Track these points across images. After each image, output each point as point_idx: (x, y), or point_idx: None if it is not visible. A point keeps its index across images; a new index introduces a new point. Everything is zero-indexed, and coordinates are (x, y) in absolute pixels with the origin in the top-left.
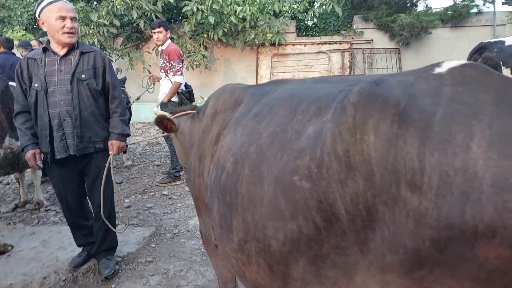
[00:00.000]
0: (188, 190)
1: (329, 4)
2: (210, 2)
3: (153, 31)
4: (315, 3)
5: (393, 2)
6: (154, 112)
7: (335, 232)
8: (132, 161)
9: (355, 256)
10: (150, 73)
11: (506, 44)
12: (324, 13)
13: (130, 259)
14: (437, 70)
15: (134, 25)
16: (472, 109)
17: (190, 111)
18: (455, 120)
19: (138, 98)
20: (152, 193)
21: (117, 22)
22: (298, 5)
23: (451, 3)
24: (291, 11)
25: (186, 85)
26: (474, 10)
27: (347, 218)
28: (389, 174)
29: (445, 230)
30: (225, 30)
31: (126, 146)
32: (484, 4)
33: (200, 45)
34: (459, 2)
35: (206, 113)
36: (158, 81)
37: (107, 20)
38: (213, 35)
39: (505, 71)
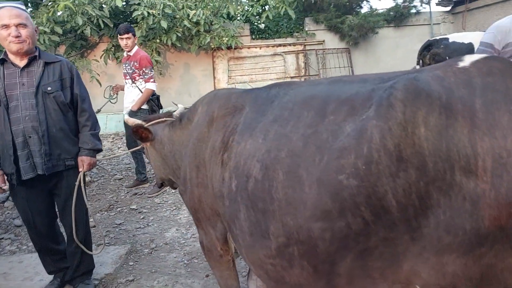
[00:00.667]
0: (159, 202)
1: (282, 7)
2: (162, 6)
3: (120, 37)
4: (267, 6)
5: (341, 4)
6: (126, 120)
7: (384, 224)
8: (91, 177)
9: (405, 245)
10: (98, 82)
11: (450, 41)
12: (277, 15)
13: (109, 280)
14: (461, 64)
15: (78, 32)
16: (508, 95)
17: (165, 119)
18: (495, 106)
19: (99, 111)
20: (119, 209)
21: (59, 30)
22: (251, 8)
23: (392, 4)
24: (244, 14)
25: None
26: (413, 10)
27: (398, 209)
28: (442, 162)
29: (505, 208)
30: (179, 34)
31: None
32: (421, 5)
33: (152, 50)
34: (400, 3)
35: (196, 120)
36: (122, 90)
37: (48, 28)
38: (166, 40)
39: None
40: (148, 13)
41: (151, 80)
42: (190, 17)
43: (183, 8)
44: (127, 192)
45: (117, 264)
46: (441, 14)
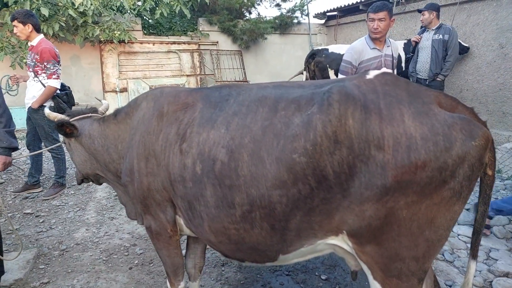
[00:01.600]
0: (58, 204)
1: (177, 5)
2: None
3: (13, 23)
4: (161, 2)
5: (233, 8)
6: (47, 114)
7: (324, 188)
8: (1, 178)
9: (338, 201)
10: None
11: (330, 51)
12: (172, 13)
13: (20, 285)
14: (368, 77)
15: None
16: (398, 99)
17: (90, 114)
18: (391, 106)
19: None
20: (10, 214)
21: None
22: (143, 3)
23: (278, 13)
24: (136, 8)
25: (63, 87)
26: (295, 21)
27: (334, 177)
28: (363, 142)
29: (400, 169)
30: (62, 24)
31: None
32: (301, 16)
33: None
34: (284, 13)
35: (142, 115)
36: (25, 81)
37: None
38: (47, 29)
39: (331, 72)
40: None
41: (54, 76)
42: (76, 6)
43: None
44: (15, 197)
45: (25, 268)
46: (318, 26)
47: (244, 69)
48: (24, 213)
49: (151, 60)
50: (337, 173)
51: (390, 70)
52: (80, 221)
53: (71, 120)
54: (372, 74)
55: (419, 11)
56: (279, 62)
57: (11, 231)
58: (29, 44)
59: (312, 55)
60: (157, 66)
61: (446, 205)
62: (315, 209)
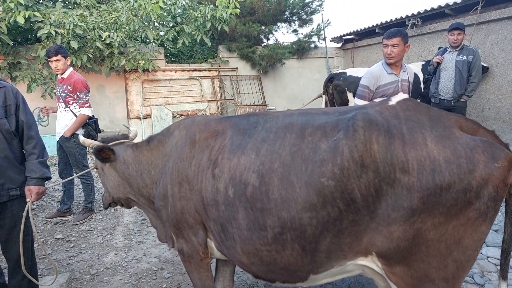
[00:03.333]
0: (87, 229)
1: (198, 35)
2: (71, 26)
3: (49, 59)
4: (183, 32)
5: (251, 35)
6: (82, 141)
7: (352, 210)
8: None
9: (366, 223)
10: None
11: (348, 74)
12: (193, 42)
13: None
14: (390, 103)
15: None
16: (420, 124)
17: (123, 140)
18: (414, 130)
19: None
20: (42, 239)
21: None
22: (166, 33)
23: (295, 39)
24: (159, 38)
25: (92, 116)
26: (312, 45)
27: (361, 199)
28: (388, 166)
29: (425, 191)
30: (90, 55)
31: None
32: (318, 41)
33: None
34: (302, 38)
35: (175, 143)
36: (54, 112)
37: None
38: (76, 60)
39: (349, 95)
40: (56, 32)
41: (86, 105)
42: (103, 39)
43: (94, 29)
44: (46, 223)
45: None
46: (335, 50)
47: (263, 93)
48: (55, 238)
49: (173, 87)
50: (364, 196)
51: (406, 95)
52: (109, 245)
53: (111, 145)
54: (394, 100)
55: (453, 29)
56: (297, 86)
57: (44, 256)
58: (59, 76)
59: (331, 79)
60: (179, 93)
61: (472, 225)
62: (344, 231)
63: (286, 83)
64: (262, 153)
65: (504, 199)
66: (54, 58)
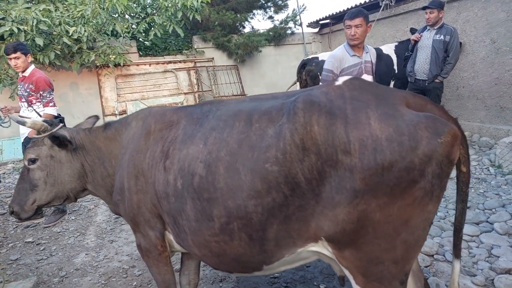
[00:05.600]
0: (59, 231)
1: (170, 25)
2: (35, 22)
3: (8, 57)
4: (154, 23)
5: (226, 24)
6: (32, 124)
7: (298, 195)
8: None
9: (312, 208)
10: None
11: (320, 59)
12: (165, 33)
13: None
14: (337, 83)
15: None
16: (365, 103)
17: (62, 125)
18: (358, 110)
19: None
20: (11, 244)
21: None
22: (137, 25)
23: (271, 26)
24: (130, 31)
25: (55, 115)
26: (289, 31)
27: (305, 183)
28: (330, 148)
29: (367, 171)
30: (58, 52)
31: None
32: (295, 27)
33: None
34: (278, 25)
35: (132, 134)
36: (17, 112)
37: None
38: (43, 58)
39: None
40: (19, 29)
41: (51, 104)
42: (70, 34)
43: (60, 24)
44: (16, 227)
45: None
46: (311, 35)
47: (241, 83)
48: (26, 242)
49: (148, 81)
50: (308, 179)
51: (370, 77)
52: (80, 246)
53: (59, 127)
54: (341, 80)
55: (425, 8)
56: (275, 74)
57: (11, 261)
58: (20, 75)
59: (303, 65)
60: (155, 87)
61: (419, 205)
62: (291, 217)
63: (264, 72)
64: (210, 142)
65: (450, 175)
66: (13, 55)
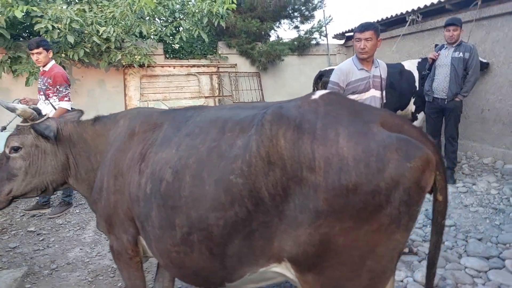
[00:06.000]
0: (61, 223)
1: (195, 30)
2: (68, 20)
3: (31, 52)
4: (181, 27)
5: (251, 32)
6: (22, 111)
7: (261, 211)
8: None
9: (276, 226)
10: None
11: None
12: (191, 37)
13: None
14: (313, 97)
15: None
16: (337, 119)
17: (48, 116)
18: (328, 126)
19: (4, 128)
20: (13, 232)
21: None
22: (165, 28)
23: (296, 35)
24: (158, 34)
25: (72, 109)
26: (314, 42)
27: (269, 199)
28: (295, 163)
29: (331, 191)
30: (87, 50)
31: None
32: (320, 37)
33: None
34: (302, 35)
35: (118, 132)
36: (35, 104)
37: None
38: (73, 55)
39: None
40: (53, 26)
41: (65, 98)
42: (100, 34)
43: (92, 24)
44: (23, 215)
45: (11, 287)
46: (337, 47)
47: (261, 90)
48: (28, 230)
49: (171, 83)
50: (272, 195)
51: (378, 92)
52: (77, 240)
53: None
54: (318, 94)
55: (449, 25)
56: (297, 83)
57: (10, 249)
58: (41, 69)
59: (320, 76)
60: (177, 88)
61: (385, 232)
62: (254, 234)
63: (286, 80)
64: (182, 147)
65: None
66: (36, 50)
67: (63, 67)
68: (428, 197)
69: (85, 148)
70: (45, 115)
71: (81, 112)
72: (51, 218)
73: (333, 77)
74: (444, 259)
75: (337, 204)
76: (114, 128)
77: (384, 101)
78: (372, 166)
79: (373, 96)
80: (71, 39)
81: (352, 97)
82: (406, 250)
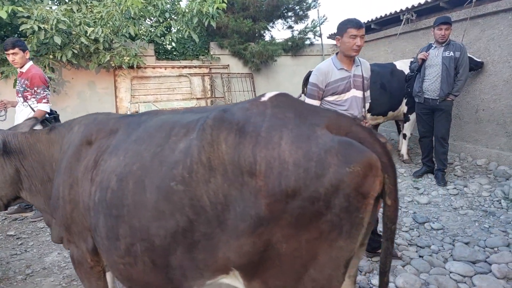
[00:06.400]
0: (42, 227)
1: (186, 31)
2: (55, 21)
3: (6, 52)
4: (172, 28)
5: (243, 32)
6: None
7: (203, 221)
8: None
9: (218, 236)
10: None
11: None
12: (182, 38)
13: None
14: (263, 99)
15: None
16: (283, 122)
17: None
18: (273, 129)
19: None
20: None
21: None
22: (155, 29)
23: (290, 35)
24: (148, 34)
25: (51, 111)
26: (308, 42)
27: (211, 207)
28: (236, 168)
29: (272, 197)
30: (75, 51)
31: None
32: (314, 37)
33: (45, 66)
34: (296, 35)
35: (72, 139)
36: (13, 106)
37: None
38: (61, 56)
39: None
40: (39, 27)
41: (44, 100)
42: (88, 34)
43: (80, 24)
44: (5, 218)
45: None
46: (331, 47)
47: (254, 91)
48: (7, 234)
49: (162, 84)
50: (213, 204)
51: (360, 92)
52: (56, 244)
53: None
54: (267, 95)
55: (442, 23)
56: (291, 84)
57: None
58: (18, 70)
59: (308, 77)
60: (169, 90)
61: (326, 240)
62: (196, 245)
63: (280, 81)
64: (129, 154)
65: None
66: (11, 51)
67: (52, 69)
68: (418, 200)
69: (39, 158)
70: None
71: (36, 119)
72: (33, 221)
73: (312, 78)
74: (429, 263)
75: (278, 210)
76: (68, 135)
77: (369, 101)
78: (311, 171)
79: (354, 96)
80: (58, 40)
81: (331, 98)
82: None
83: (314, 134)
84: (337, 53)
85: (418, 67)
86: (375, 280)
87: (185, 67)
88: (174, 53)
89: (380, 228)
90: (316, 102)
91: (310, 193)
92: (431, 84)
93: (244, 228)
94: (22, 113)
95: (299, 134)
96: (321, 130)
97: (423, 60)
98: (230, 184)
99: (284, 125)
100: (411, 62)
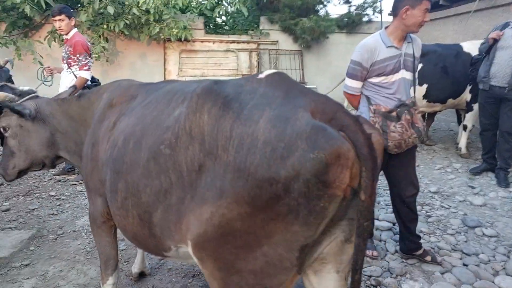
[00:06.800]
0: (80, 190)
1: (235, 4)
2: None
3: (53, 18)
4: (223, 1)
5: (296, 6)
6: None
7: (180, 185)
8: None
9: (187, 203)
10: (41, 65)
11: None
12: (233, 12)
13: (1, 264)
14: (260, 76)
15: (20, 10)
16: (269, 101)
17: (36, 94)
18: (256, 108)
19: None
20: (37, 195)
21: None
22: (205, 1)
23: (346, 10)
24: (198, 7)
25: (93, 79)
26: (366, 18)
27: (187, 173)
28: (213, 140)
29: (236, 172)
30: (127, 22)
31: None
32: (373, 14)
33: (100, 36)
34: (353, 11)
35: (100, 104)
36: (59, 73)
37: None
38: (114, 26)
39: None
40: None
41: (85, 68)
42: (139, 5)
43: None
44: (50, 179)
45: (15, 248)
46: None
47: (302, 69)
48: (49, 194)
49: (210, 59)
50: (189, 171)
51: (409, 73)
52: None
53: (20, 101)
54: (265, 73)
55: None
56: (344, 63)
57: (29, 210)
58: (64, 37)
59: None
60: (216, 65)
61: (283, 222)
62: (172, 207)
63: (331, 60)
64: (137, 117)
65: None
66: (58, 17)
67: (106, 39)
68: (471, 201)
69: (72, 123)
70: (29, 95)
71: (74, 87)
72: (73, 184)
73: (354, 56)
74: (474, 274)
75: (238, 186)
76: (97, 102)
77: (417, 84)
78: (277, 152)
79: (403, 78)
80: (111, 10)
81: (377, 80)
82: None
83: (294, 116)
84: (385, 27)
85: (488, 48)
86: (407, 286)
87: (233, 41)
88: (224, 27)
89: (419, 228)
90: (357, 84)
91: (271, 174)
92: (500, 69)
93: (207, 196)
94: (66, 79)
95: (279, 114)
96: (303, 113)
97: (495, 40)
98: (206, 155)
99: (268, 104)
100: (482, 44)
